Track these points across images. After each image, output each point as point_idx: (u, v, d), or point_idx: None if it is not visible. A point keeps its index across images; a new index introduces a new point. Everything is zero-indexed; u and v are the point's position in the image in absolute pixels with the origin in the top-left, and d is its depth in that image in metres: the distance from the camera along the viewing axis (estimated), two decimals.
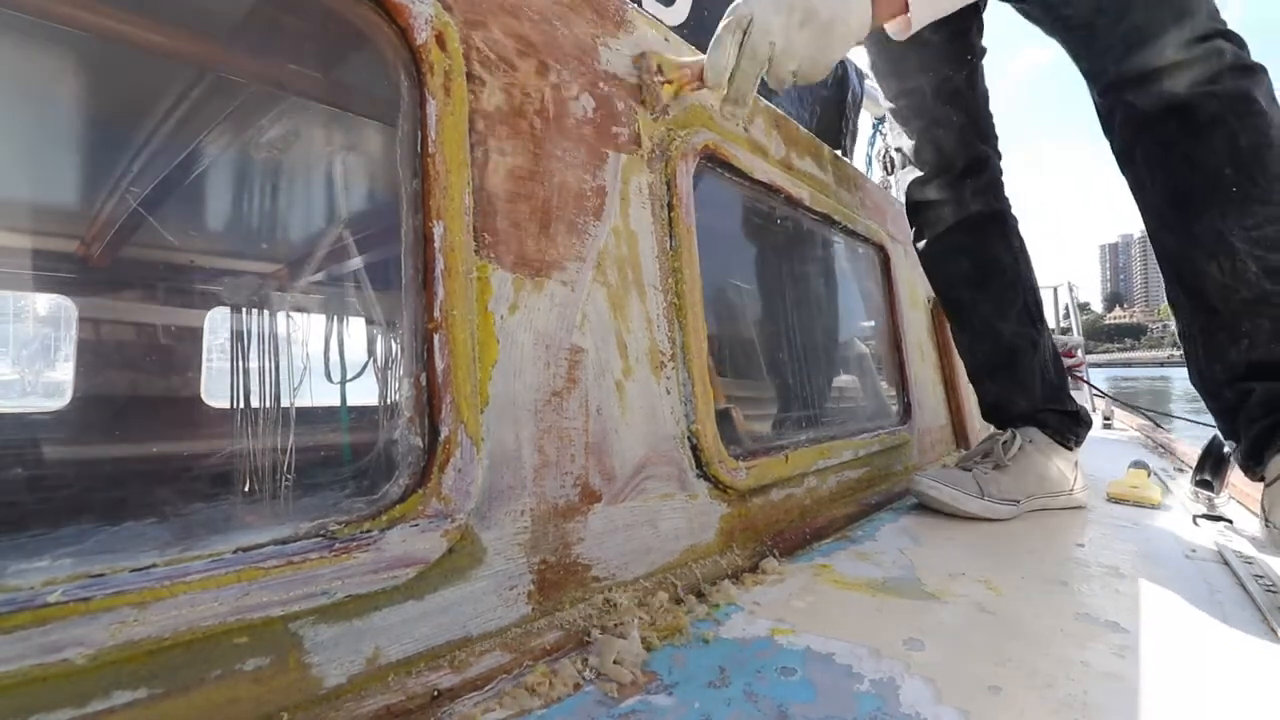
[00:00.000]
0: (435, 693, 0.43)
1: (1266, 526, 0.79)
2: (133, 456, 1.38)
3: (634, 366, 0.66)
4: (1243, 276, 0.78)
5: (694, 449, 0.71)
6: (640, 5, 1.02)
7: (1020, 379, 1.13)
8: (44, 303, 1.55)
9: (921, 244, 1.21)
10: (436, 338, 0.49)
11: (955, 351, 1.81)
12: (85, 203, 1.28)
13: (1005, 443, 1.06)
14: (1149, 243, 0.92)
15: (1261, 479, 0.79)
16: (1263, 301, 0.77)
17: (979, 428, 1.98)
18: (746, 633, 0.57)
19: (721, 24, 0.70)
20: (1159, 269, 0.92)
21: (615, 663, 0.48)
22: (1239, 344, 0.79)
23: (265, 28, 0.70)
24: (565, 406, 0.58)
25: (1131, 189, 0.90)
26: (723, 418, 0.78)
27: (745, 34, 0.68)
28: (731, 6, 0.69)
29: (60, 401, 1.53)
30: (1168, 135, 0.82)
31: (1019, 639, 0.56)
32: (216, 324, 1.70)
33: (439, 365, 0.48)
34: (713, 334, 0.80)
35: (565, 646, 0.51)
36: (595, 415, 0.61)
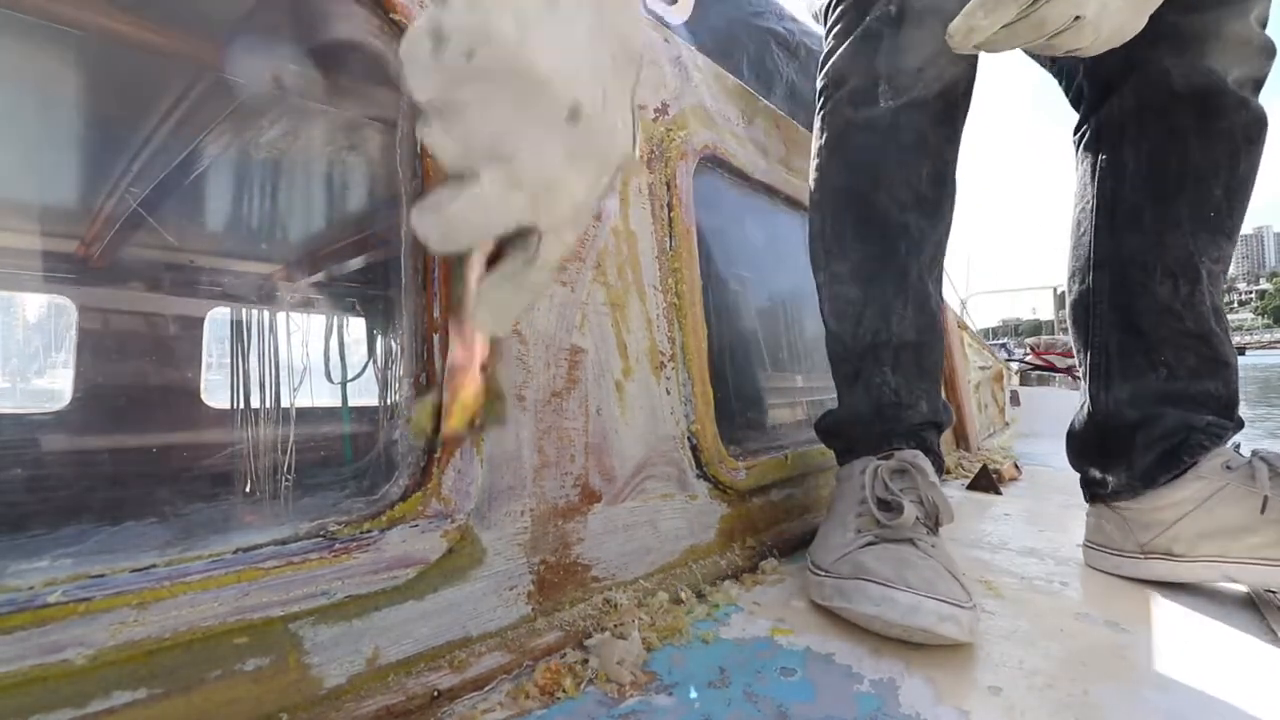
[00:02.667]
0: (435, 693, 0.43)
1: (1138, 553, 0.71)
2: (132, 456, 1.38)
3: (634, 366, 0.66)
4: (1196, 307, 0.70)
5: (694, 449, 0.71)
6: (643, 3, 1.02)
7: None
8: (44, 303, 1.55)
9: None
10: (436, 338, 0.49)
11: (955, 352, 1.82)
12: (85, 203, 1.28)
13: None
14: (1081, 236, 0.78)
15: (1132, 496, 0.72)
16: (1200, 338, 0.71)
17: (979, 428, 1.98)
18: (746, 633, 0.57)
19: None
20: (1077, 269, 0.79)
21: (616, 663, 0.48)
22: (1157, 371, 0.72)
23: (265, 27, 0.70)
24: (565, 407, 0.58)
25: (1095, 171, 0.76)
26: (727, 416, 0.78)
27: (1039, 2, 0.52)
28: None
29: (60, 402, 1.53)
30: (1183, 123, 0.70)
31: (1019, 639, 0.56)
32: (216, 324, 1.70)
33: (439, 366, 0.48)
34: (714, 334, 0.80)
35: (565, 647, 0.51)
36: (595, 415, 0.61)
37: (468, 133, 0.35)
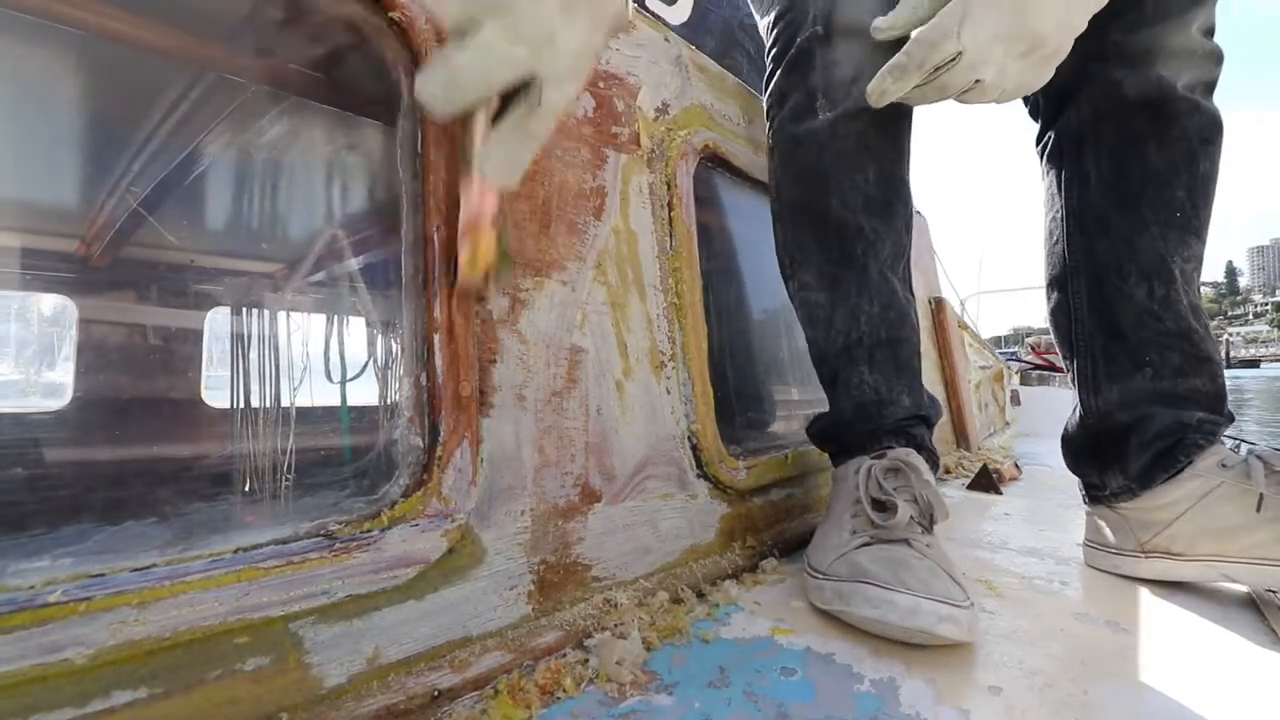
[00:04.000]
0: (435, 693, 0.43)
1: (1137, 553, 0.71)
2: (132, 456, 1.38)
3: (634, 366, 0.66)
4: (1173, 307, 0.72)
5: (694, 449, 0.71)
6: (643, 4, 1.02)
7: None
8: (45, 303, 1.55)
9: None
10: (436, 338, 0.49)
11: (955, 351, 1.82)
12: (85, 203, 1.28)
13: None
14: (1055, 245, 0.80)
15: (1130, 497, 0.72)
16: (1181, 336, 0.72)
17: (979, 427, 1.98)
18: (747, 633, 0.57)
19: (914, 43, 0.59)
20: (1054, 278, 0.80)
21: (616, 663, 0.48)
22: (1143, 371, 0.73)
23: (264, 27, 0.70)
24: (565, 406, 0.58)
25: (1061, 181, 0.78)
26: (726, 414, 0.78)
27: (945, 67, 0.58)
28: (933, 24, 0.57)
29: (60, 402, 1.53)
30: (1139, 130, 0.72)
31: (1019, 639, 0.56)
32: (217, 324, 1.70)
33: (439, 365, 0.48)
34: (714, 334, 0.80)
35: (565, 646, 0.51)
36: (595, 415, 0.61)
37: None
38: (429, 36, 0.51)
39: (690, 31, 1.05)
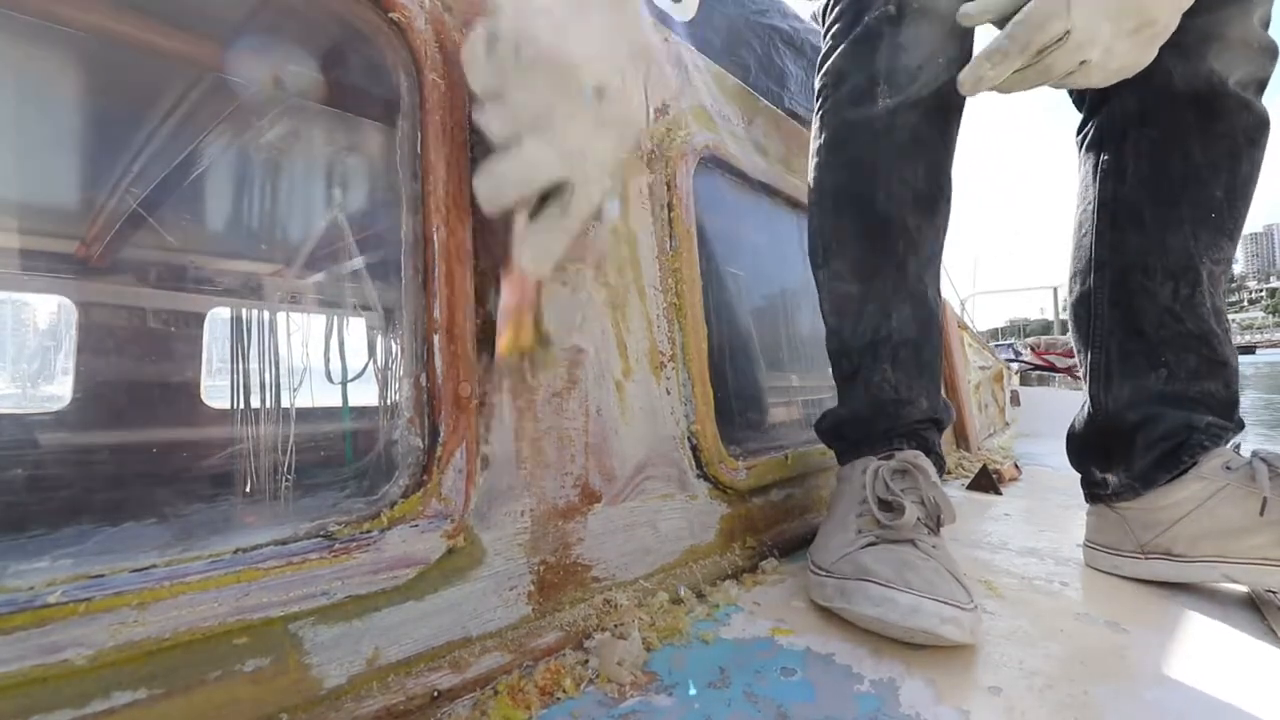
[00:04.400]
0: (435, 693, 0.43)
1: (1138, 553, 0.71)
2: (132, 456, 1.38)
3: (634, 367, 0.66)
4: (1196, 309, 0.70)
5: (694, 449, 0.71)
6: (649, 3, 1.02)
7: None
8: (45, 303, 1.55)
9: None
10: (436, 338, 0.49)
11: (955, 352, 1.82)
12: (85, 202, 1.28)
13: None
14: (1083, 237, 0.79)
15: (1133, 496, 0.72)
16: (1201, 339, 0.71)
17: (979, 427, 1.98)
18: (747, 633, 0.57)
19: (1018, 24, 0.55)
20: (1078, 270, 0.79)
21: (616, 663, 0.48)
22: (1157, 372, 0.72)
23: (264, 27, 0.70)
24: (565, 407, 0.58)
25: (1098, 173, 0.76)
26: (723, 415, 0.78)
27: (1050, 48, 0.55)
28: (1039, 2, 0.54)
29: (60, 402, 1.53)
30: (1184, 125, 0.70)
31: (1019, 639, 0.56)
32: (216, 324, 1.70)
33: (439, 366, 0.48)
34: (714, 334, 0.80)
35: (565, 647, 0.51)
36: (595, 416, 0.61)
37: (513, 110, 0.45)
38: (428, 37, 0.51)
39: (697, 29, 1.04)
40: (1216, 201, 0.70)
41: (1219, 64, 0.68)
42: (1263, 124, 0.70)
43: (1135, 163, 0.74)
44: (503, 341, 0.50)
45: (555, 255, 0.50)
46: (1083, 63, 0.56)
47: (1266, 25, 0.70)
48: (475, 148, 0.54)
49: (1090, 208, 0.78)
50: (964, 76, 0.60)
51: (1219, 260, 0.71)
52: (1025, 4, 0.55)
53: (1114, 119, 0.75)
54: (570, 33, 0.44)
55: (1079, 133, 0.82)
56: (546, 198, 0.48)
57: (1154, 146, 0.72)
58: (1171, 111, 0.70)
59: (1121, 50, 0.56)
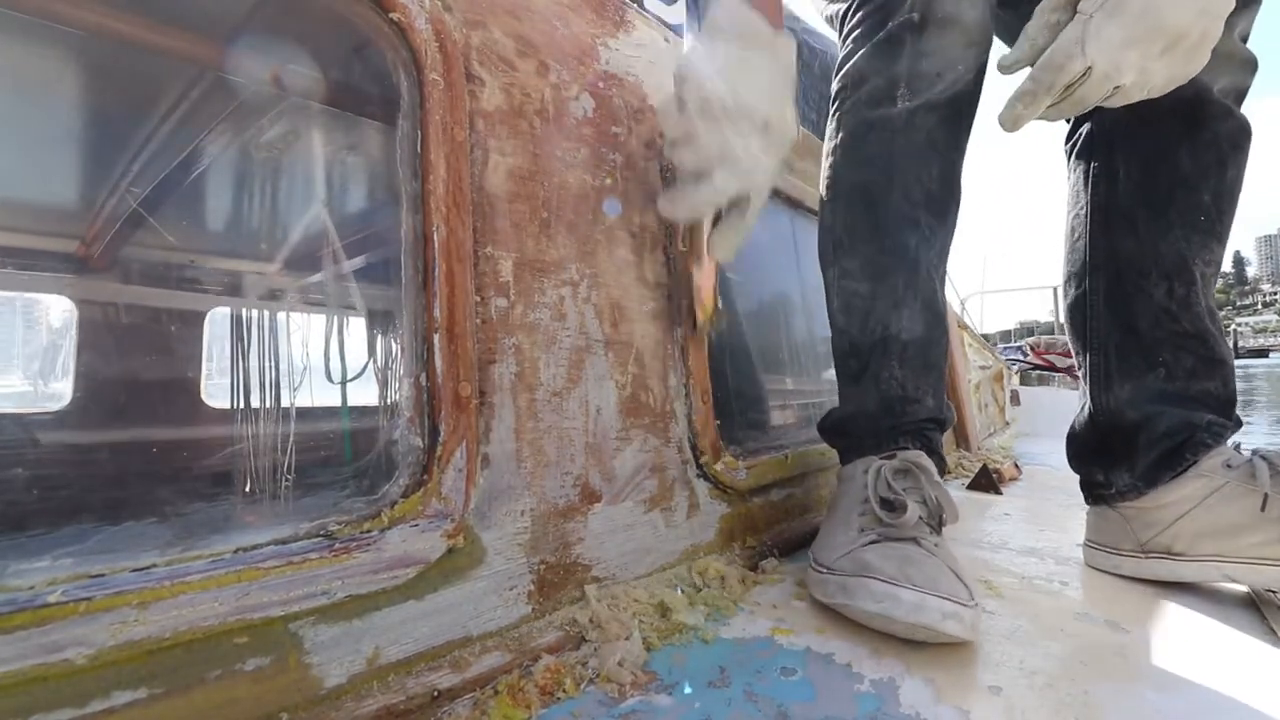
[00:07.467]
0: (435, 693, 0.43)
1: (1138, 553, 0.72)
2: (132, 456, 1.38)
3: (634, 366, 0.66)
4: (1192, 308, 0.72)
5: (694, 449, 0.71)
6: (642, 5, 1.02)
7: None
8: (45, 303, 1.55)
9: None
10: (436, 338, 0.49)
11: (955, 352, 1.82)
12: (85, 202, 1.28)
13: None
14: (1076, 241, 0.81)
15: (1136, 496, 0.72)
16: (1196, 338, 0.72)
17: (979, 427, 1.98)
18: (747, 633, 0.57)
19: (1040, 67, 0.57)
20: (1073, 274, 0.81)
21: (616, 663, 0.48)
22: (1156, 371, 0.74)
23: (264, 27, 0.70)
24: (565, 406, 0.58)
25: (1088, 179, 0.79)
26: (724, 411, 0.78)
27: (1077, 83, 0.57)
28: (1054, 48, 0.56)
29: (60, 401, 1.53)
30: (1171, 131, 0.73)
31: (1019, 638, 0.56)
32: (216, 324, 1.70)
33: (439, 366, 0.48)
34: (714, 334, 0.80)
35: (565, 646, 0.51)
36: (595, 415, 0.61)
37: (702, 151, 0.61)
38: (428, 37, 0.51)
39: (690, 32, 1.04)
40: (1205, 206, 0.73)
41: (1204, 75, 0.68)
42: (1245, 131, 0.72)
43: (1126, 169, 0.76)
44: (702, 314, 0.72)
45: (739, 245, 0.67)
46: (1117, 88, 0.57)
47: (1246, 40, 0.73)
48: (664, 172, 0.73)
49: (1083, 213, 0.80)
50: (1002, 117, 0.62)
51: (1209, 262, 0.73)
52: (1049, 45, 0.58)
53: (1103, 127, 0.78)
54: (744, 87, 0.60)
55: (1068, 140, 0.84)
56: (729, 206, 0.65)
57: (1143, 154, 0.75)
58: (1159, 120, 0.72)
59: (1158, 69, 0.57)
